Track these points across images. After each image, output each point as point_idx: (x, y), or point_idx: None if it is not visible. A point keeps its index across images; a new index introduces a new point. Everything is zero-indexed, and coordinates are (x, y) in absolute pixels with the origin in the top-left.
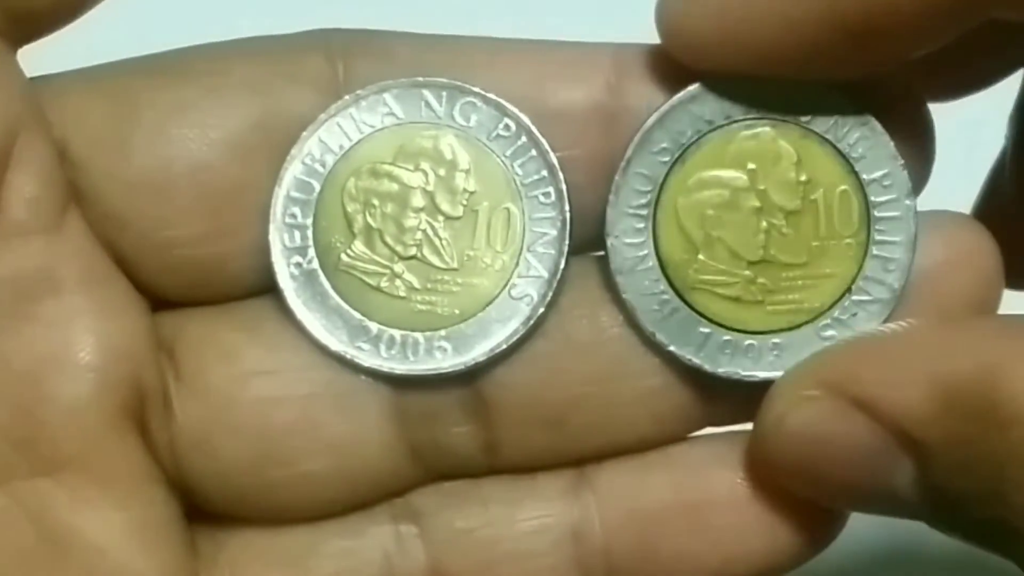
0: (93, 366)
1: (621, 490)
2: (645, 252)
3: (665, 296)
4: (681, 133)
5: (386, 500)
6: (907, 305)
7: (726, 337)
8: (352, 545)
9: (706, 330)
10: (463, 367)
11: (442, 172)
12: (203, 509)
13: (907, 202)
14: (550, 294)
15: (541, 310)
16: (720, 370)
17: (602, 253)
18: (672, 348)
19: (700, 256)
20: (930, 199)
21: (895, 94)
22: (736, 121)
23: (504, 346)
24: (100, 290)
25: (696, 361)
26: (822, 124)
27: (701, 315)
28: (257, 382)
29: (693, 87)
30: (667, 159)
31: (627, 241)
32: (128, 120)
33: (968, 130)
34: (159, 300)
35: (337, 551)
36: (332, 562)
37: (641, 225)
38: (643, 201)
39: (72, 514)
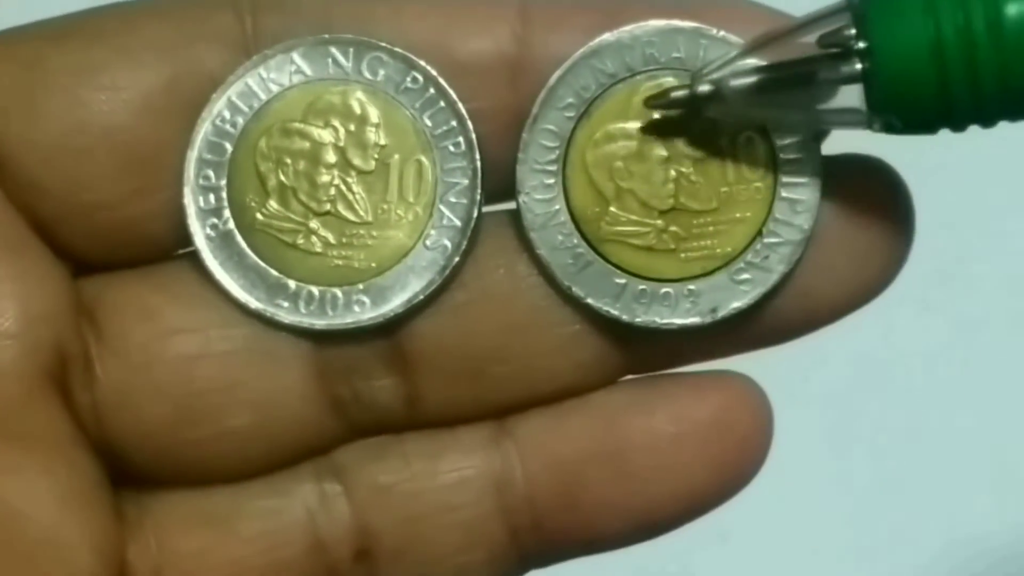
0: (12, 332)
1: (542, 439)
2: (557, 207)
3: (579, 250)
4: (585, 88)
5: (309, 458)
6: (817, 245)
7: (642, 286)
8: (276, 504)
9: (621, 280)
10: (382, 319)
11: (352, 127)
12: (128, 472)
13: (812, 143)
14: (464, 242)
15: (456, 259)
16: (637, 319)
17: (515, 207)
18: (589, 300)
19: (611, 208)
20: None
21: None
22: (638, 73)
23: (422, 296)
24: (19, 257)
25: (614, 312)
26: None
27: (616, 266)
28: (177, 340)
29: (594, 42)
30: (573, 114)
31: (538, 197)
32: (39, 85)
33: None
34: (80, 264)
35: (262, 511)
36: (257, 523)
37: (551, 181)
38: (551, 157)
39: None
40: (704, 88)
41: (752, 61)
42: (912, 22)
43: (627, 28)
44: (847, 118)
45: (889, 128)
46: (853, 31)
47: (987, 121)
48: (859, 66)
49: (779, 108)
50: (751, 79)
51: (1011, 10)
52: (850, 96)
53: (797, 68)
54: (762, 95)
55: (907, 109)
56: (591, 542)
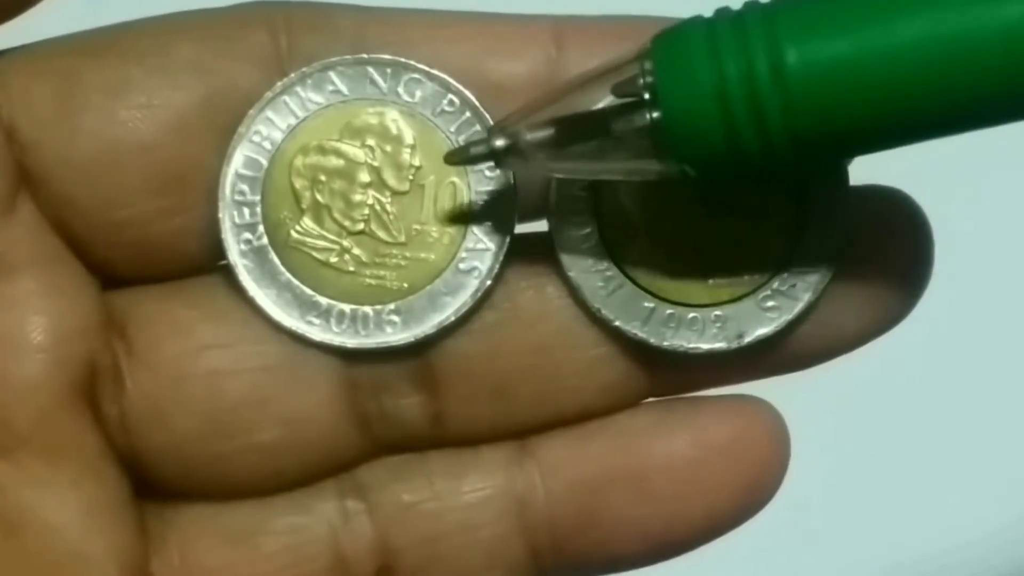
0: (44, 346)
1: (564, 460)
2: (588, 230)
3: (609, 273)
4: None
5: (334, 474)
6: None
7: (670, 311)
8: (299, 521)
9: (650, 304)
10: (412, 340)
11: (388, 148)
12: (153, 485)
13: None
14: (497, 267)
15: (489, 282)
16: (665, 343)
17: (547, 228)
18: (618, 323)
19: (640, 237)
20: None
21: None
22: None
23: (453, 319)
24: (51, 272)
25: (641, 335)
26: None
27: (645, 290)
28: (209, 355)
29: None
30: None
31: (570, 220)
32: (75, 101)
33: None
34: (112, 279)
35: (285, 527)
36: (280, 539)
37: (583, 205)
38: (584, 182)
39: (26, 495)
40: (500, 142)
41: (547, 113)
42: (697, 69)
43: None
44: (644, 169)
45: (686, 177)
46: (643, 80)
47: (779, 169)
48: (648, 116)
49: (577, 161)
50: (547, 132)
51: (792, 56)
52: (644, 147)
53: (591, 120)
54: (559, 148)
55: (697, 158)
56: (610, 562)
